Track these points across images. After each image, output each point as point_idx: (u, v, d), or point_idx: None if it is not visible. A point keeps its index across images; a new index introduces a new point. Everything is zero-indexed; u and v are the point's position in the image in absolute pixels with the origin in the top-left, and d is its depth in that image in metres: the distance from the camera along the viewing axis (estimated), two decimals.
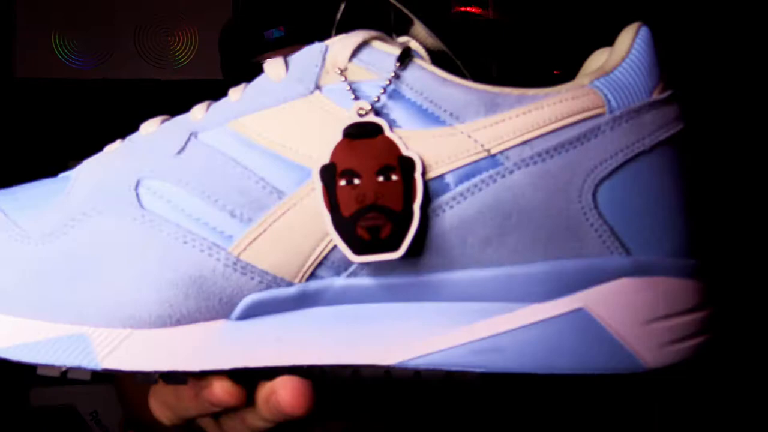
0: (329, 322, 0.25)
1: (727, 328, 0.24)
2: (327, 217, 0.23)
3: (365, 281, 0.24)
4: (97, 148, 0.27)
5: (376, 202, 0.23)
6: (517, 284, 0.24)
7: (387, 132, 0.23)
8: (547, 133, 0.23)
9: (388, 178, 0.23)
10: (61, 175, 0.26)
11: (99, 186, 0.24)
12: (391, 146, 0.23)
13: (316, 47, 0.25)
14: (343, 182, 0.23)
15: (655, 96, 0.24)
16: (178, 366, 0.24)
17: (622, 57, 0.25)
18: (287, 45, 0.56)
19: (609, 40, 0.26)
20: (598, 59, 0.27)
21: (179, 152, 0.24)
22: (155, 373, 0.24)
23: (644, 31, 0.25)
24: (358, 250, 0.22)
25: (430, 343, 0.24)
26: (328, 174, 0.23)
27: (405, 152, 0.23)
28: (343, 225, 0.23)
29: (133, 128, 0.27)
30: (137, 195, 0.24)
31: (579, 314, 0.23)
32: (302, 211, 0.23)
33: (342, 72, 0.24)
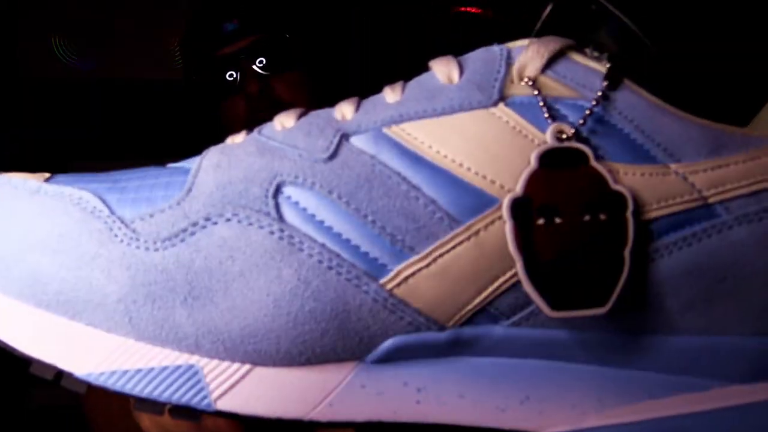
0: (480, 375, 0.21)
1: None
2: (519, 261, 0.19)
3: (530, 333, 0.20)
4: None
5: (581, 246, 0.19)
6: (718, 359, 0.20)
7: (593, 162, 0.19)
8: None
9: (595, 218, 0.19)
10: (172, 166, 0.22)
11: (227, 186, 0.20)
12: (598, 179, 0.19)
13: (495, 50, 0.21)
14: (540, 221, 0.19)
15: None
16: (304, 414, 0.20)
17: None
18: (242, 37, 0.57)
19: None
20: None
21: (331, 157, 0.20)
22: (279, 419, 0.19)
23: None
24: (556, 303, 0.19)
25: (601, 415, 0.20)
26: (522, 209, 0.19)
27: (614, 186, 0.19)
28: (539, 272, 0.19)
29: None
30: (276, 204, 0.20)
31: None
32: (478, 246, 0.19)
33: (534, 84, 0.20)
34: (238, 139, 0.22)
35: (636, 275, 0.19)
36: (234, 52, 0.60)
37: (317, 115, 0.22)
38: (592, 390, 0.21)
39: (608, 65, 0.20)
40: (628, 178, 0.19)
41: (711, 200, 0.20)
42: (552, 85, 0.20)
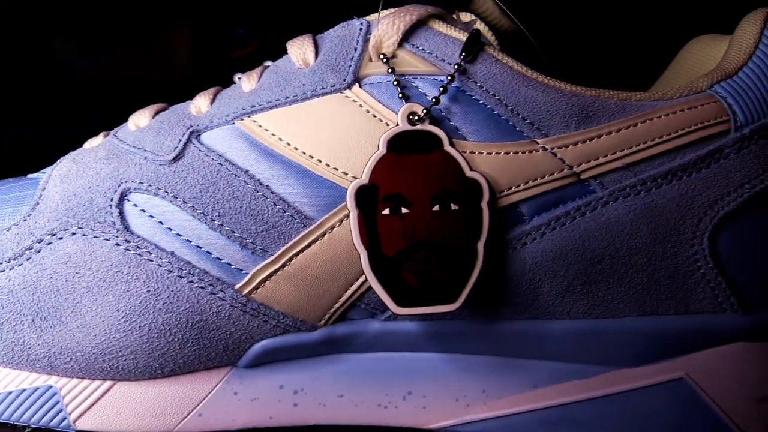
0: (359, 372, 0.20)
1: None
2: (363, 255, 0.17)
3: (407, 326, 0.19)
4: None
5: (430, 238, 0.17)
6: (603, 343, 0.19)
7: (446, 146, 0.18)
8: (656, 156, 0.18)
9: (446, 208, 0.17)
10: (31, 176, 0.21)
11: (72, 198, 0.19)
12: (452, 165, 0.18)
13: (354, 24, 0.20)
14: (386, 211, 0.17)
15: None
16: (171, 427, 0.19)
17: (748, 54, 0.19)
18: (249, 44, 0.57)
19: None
20: (709, 50, 0.21)
21: (176, 158, 0.19)
22: None
23: None
24: (402, 300, 0.18)
25: (486, 407, 0.20)
26: (368, 198, 0.17)
27: (469, 173, 0.18)
28: (384, 266, 0.17)
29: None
30: (121, 213, 0.19)
31: (678, 384, 0.19)
32: (332, 243, 0.18)
33: (388, 61, 0.19)
34: (95, 142, 0.21)
35: (504, 262, 0.18)
36: (243, 55, 0.62)
37: (173, 111, 0.20)
38: (476, 381, 0.20)
39: (467, 34, 0.18)
40: (491, 158, 0.18)
41: (584, 176, 0.18)
42: (409, 60, 0.19)
